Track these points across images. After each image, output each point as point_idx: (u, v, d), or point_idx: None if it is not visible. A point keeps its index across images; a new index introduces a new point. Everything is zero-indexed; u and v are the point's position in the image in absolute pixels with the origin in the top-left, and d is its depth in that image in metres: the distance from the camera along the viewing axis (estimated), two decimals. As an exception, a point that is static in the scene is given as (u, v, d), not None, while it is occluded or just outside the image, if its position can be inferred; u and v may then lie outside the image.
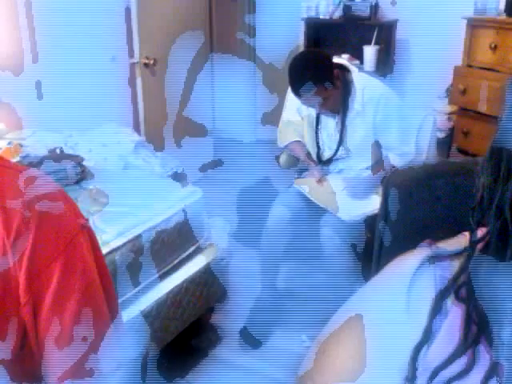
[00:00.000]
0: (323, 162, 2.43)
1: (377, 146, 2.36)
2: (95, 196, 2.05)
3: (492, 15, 3.06)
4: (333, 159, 2.41)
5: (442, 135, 3.22)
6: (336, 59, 2.45)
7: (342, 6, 3.77)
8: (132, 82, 3.36)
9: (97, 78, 2.93)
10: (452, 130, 3.28)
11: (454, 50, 3.18)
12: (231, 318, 2.43)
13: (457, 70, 3.14)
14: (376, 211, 2.22)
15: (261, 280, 2.42)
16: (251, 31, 4.61)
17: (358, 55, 3.78)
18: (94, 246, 0.78)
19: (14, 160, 2.08)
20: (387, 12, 3.82)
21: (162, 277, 2.00)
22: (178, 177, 2.59)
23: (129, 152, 2.67)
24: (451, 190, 0.95)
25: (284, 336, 2.36)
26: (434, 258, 0.56)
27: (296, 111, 2.46)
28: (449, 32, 3.29)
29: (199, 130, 3.89)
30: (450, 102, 3.28)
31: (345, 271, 2.15)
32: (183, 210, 2.08)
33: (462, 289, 0.54)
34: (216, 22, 4.54)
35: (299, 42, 4.05)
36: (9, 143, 2.38)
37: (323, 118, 2.37)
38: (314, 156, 2.45)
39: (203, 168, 3.96)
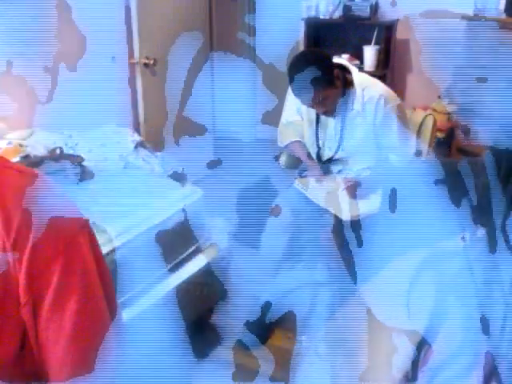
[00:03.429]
0: (323, 162, 2.43)
1: (377, 146, 2.36)
2: (95, 196, 2.05)
3: (492, 15, 3.06)
4: (333, 159, 2.41)
5: (441, 135, 3.22)
6: (336, 59, 2.45)
7: (341, 6, 3.76)
8: (132, 82, 3.35)
9: (97, 78, 2.93)
10: (452, 129, 3.28)
11: (453, 49, 3.18)
12: (231, 318, 2.43)
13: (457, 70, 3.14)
14: (376, 211, 2.22)
15: (261, 280, 2.42)
16: (251, 31, 4.61)
17: (358, 55, 3.78)
18: (94, 246, 0.78)
19: (14, 160, 2.08)
20: (387, 12, 3.82)
21: (162, 277, 2.00)
22: (178, 177, 2.59)
23: (129, 152, 2.67)
24: (451, 189, 0.95)
25: (284, 336, 2.36)
26: (434, 258, 0.56)
27: (296, 111, 2.46)
28: (448, 32, 3.29)
29: (199, 130, 3.88)
30: (450, 102, 3.28)
31: (344, 271, 2.14)
32: (183, 210, 2.08)
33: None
34: (216, 22, 4.54)
35: (299, 42, 4.04)
36: (9, 143, 2.38)
37: (323, 118, 2.36)
38: (314, 156, 2.45)
39: (205, 167, 3.96)
